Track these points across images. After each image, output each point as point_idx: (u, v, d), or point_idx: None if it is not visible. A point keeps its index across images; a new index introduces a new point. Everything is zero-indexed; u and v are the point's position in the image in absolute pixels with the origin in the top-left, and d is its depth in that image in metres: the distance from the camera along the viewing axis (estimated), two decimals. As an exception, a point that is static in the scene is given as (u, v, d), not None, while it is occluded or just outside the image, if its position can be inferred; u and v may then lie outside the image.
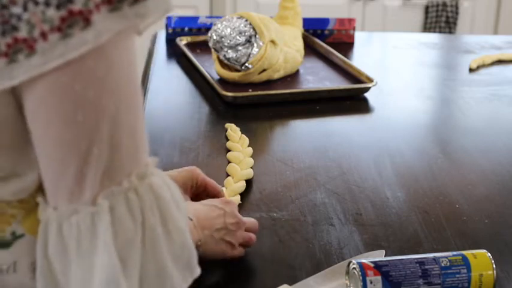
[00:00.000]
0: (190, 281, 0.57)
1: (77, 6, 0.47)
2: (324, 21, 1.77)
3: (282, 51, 1.41)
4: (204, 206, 0.81)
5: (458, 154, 1.17)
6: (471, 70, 1.62)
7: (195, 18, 1.74)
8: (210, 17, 1.77)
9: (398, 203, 0.98)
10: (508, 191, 1.04)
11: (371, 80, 1.40)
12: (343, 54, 1.55)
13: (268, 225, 0.91)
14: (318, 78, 1.47)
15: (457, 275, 0.76)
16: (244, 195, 0.98)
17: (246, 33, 1.34)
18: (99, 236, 0.51)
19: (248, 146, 1.12)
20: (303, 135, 1.23)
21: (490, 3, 3.01)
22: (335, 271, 0.80)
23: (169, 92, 1.42)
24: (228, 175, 1.03)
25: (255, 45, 1.35)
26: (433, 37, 2.11)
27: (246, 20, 1.36)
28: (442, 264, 0.76)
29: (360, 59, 1.66)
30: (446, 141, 1.24)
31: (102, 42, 0.48)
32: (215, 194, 0.88)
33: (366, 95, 1.39)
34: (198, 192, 0.88)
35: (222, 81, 1.39)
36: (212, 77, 1.39)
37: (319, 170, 1.07)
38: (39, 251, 0.54)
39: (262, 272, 0.82)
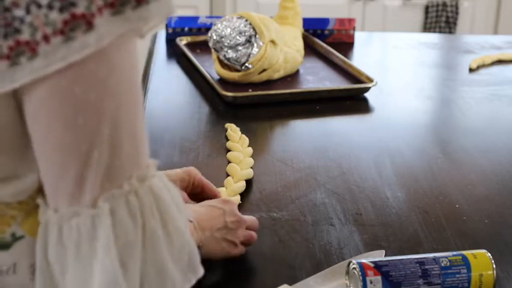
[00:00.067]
0: (193, 281, 0.57)
1: (79, 9, 0.47)
2: (324, 21, 1.77)
3: (282, 51, 1.41)
4: (203, 207, 0.81)
5: (458, 154, 1.17)
6: (471, 70, 1.62)
7: (195, 18, 1.74)
8: (210, 17, 1.77)
9: (398, 203, 0.98)
10: (508, 191, 1.04)
11: (371, 80, 1.40)
12: (343, 54, 1.55)
13: (268, 225, 0.91)
14: (318, 78, 1.47)
15: (457, 275, 0.76)
16: (244, 195, 0.98)
17: (246, 33, 1.34)
18: (100, 238, 0.51)
19: (248, 146, 1.12)
20: (303, 135, 1.23)
21: (490, 3, 3.01)
22: (335, 271, 0.80)
23: (169, 92, 1.42)
24: (228, 175, 1.03)
25: (255, 45, 1.35)
26: (433, 37, 2.11)
27: (246, 20, 1.36)
28: (442, 264, 0.76)
29: (360, 59, 1.66)
30: (446, 141, 1.24)
31: (104, 46, 0.48)
32: (212, 196, 0.88)
33: (366, 95, 1.39)
34: (195, 193, 0.88)
35: (222, 81, 1.39)
36: (212, 77, 1.39)
37: (319, 170, 1.07)
38: (38, 253, 0.54)
39: (262, 272, 0.82)
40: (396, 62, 1.74)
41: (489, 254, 0.78)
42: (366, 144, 1.18)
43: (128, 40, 0.51)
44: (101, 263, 0.51)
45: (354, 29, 1.78)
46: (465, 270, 0.76)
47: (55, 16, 0.47)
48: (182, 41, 1.64)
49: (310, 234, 0.89)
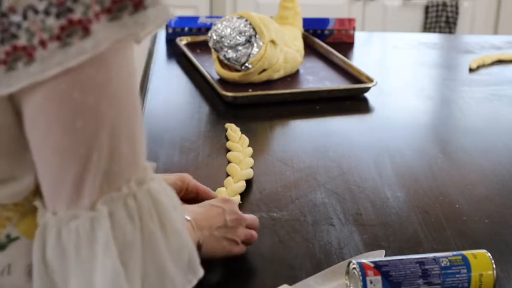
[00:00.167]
0: (194, 282, 0.58)
1: (76, 15, 0.47)
2: (324, 21, 1.77)
3: (282, 51, 1.41)
4: (202, 207, 0.81)
5: (458, 154, 1.17)
6: (471, 70, 1.62)
7: (195, 18, 1.74)
8: (210, 17, 1.77)
9: (398, 203, 0.98)
10: (508, 191, 1.04)
11: (371, 80, 1.40)
12: (343, 54, 1.55)
13: (268, 225, 0.91)
14: (318, 78, 1.47)
15: (457, 275, 0.76)
16: (244, 195, 0.98)
17: (246, 33, 1.34)
18: (99, 241, 0.51)
19: (248, 146, 1.12)
20: (303, 135, 1.23)
21: (490, 3, 3.01)
22: (335, 271, 0.80)
23: (169, 92, 1.42)
24: (228, 175, 1.03)
25: (255, 45, 1.35)
26: (433, 37, 2.11)
27: (246, 20, 1.36)
28: (442, 264, 0.76)
29: (360, 59, 1.66)
30: (446, 141, 1.24)
31: (101, 51, 0.48)
32: (208, 199, 0.88)
33: (366, 95, 1.39)
34: (189, 198, 0.88)
35: (222, 81, 1.39)
36: (212, 77, 1.39)
37: (319, 170, 1.07)
38: (35, 255, 0.54)
39: (262, 272, 0.82)
40: (396, 62, 1.74)
41: (489, 254, 0.78)
42: (366, 144, 1.18)
43: (125, 45, 0.51)
44: (101, 264, 0.51)
45: (354, 29, 1.78)
46: (465, 270, 0.76)
47: (52, 22, 0.47)
48: (182, 41, 1.64)
49: (310, 234, 0.89)
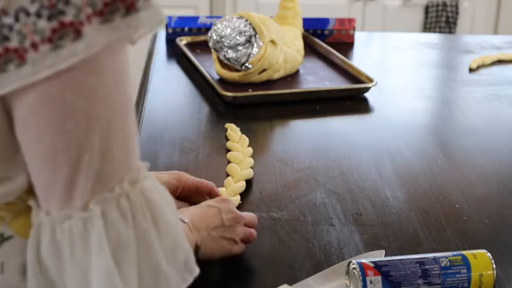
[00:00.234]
0: (190, 281, 0.58)
1: (68, 18, 0.47)
2: (324, 21, 1.77)
3: (282, 51, 1.41)
4: (198, 208, 0.81)
5: (458, 154, 1.17)
6: (471, 70, 1.62)
7: (195, 18, 1.74)
8: (210, 17, 1.77)
9: (398, 203, 0.98)
10: (508, 191, 1.04)
11: (371, 80, 1.40)
12: (343, 54, 1.55)
13: (268, 225, 0.91)
14: (318, 78, 1.47)
15: (457, 275, 0.76)
16: (244, 195, 0.98)
17: (246, 33, 1.35)
18: (92, 240, 0.52)
19: (248, 146, 1.12)
20: (303, 135, 1.23)
21: (490, 3, 3.01)
22: (335, 271, 0.80)
23: (169, 92, 1.42)
24: (228, 175, 1.03)
25: (255, 45, 1.35)
26: (433, 37, 2.11)
27: (246, 20, 1.36)
28: (442, 264, 0.76)
29: (360, 59, 1.66)
30: (446, 141, 1.24)
31: (92, 54, 0.48)
32: (208, 192, 0.89)
33: (366, 95, 1.39)
34: (187, 195, 0.88)
35: (222, 81, 1.39)
36: (212, 77, 1.39)
37: (319, 170, 1.07)
38: (30, 254, 0.54)
39: (262, 272, 0.82)
40: (396, 62, 1.74)
41: (489, 254, 0.78)
42: (366, 144, 1.18)
43: (119, 47, 0.51)
44: (95, 264, 0.52)
45: (354, 29, 1.78)
46: (465, 270, 0.76)
47: (43, 24, 0.47)
48: (182, 41, 1.64)
49: (310, 234, 0.89)
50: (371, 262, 0.75)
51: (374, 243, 0.88)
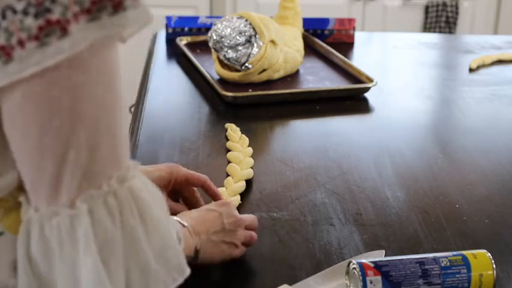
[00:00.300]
0: (180, 280, 0.58)
1: (54, 15, 0.48)
2: (324, 21, 1.77)
3: (282, 51, 1.41)
4: (199, 212, 0.81)
5: (458, 154, 1.17)
6: (471, 70, 1.62)
7: (195, 18, 1.74)
8: (210, 17, 1.77)
9: (398, 203, 0.98)
10: (508, 191, 1.04)
11: (371, 80, 1.40)
12: (343, 54, 1.55)
13: (268, 225, 0.91)
14: (318, 78, 1.47)
15: (457, 275, 0.76)
16: (244, 195, 0.98)
17: (246, 33, 1.35)
18: (79, 238, 0.52)
19: (248, 146, 1.12)
20: (303, 135, 1.23)
21: (490, 3, 3.01)
22: (335, 271, 0.80)
23: (169, 92, 1.42)
24: (228, 175, 1.03)
25: (255, 45, 1.35)
26: (433, 37, 2.11)
27: (246, 20, 1.36)
28: (442, 264, 0.76)
29: (360, 59, 1.66)
30: (446, 141, 1.24)
31: (78, 51, 0.49)
32: (201, 185, 0.89)
33: (366, 95, 1.39)
34: (180, 187, 0.88)
35: (222, 81, 1.39)
36: (212, 77, 1.39)
37: (319, 170, 1.07)
38: (20, 250, 0.54)
39: (262, 272, 0.82)
40: (396, 62, 1.74)
41: (489, 254, 0.78)
42: (366, 144, 1.18)
43: (108, 45, 0.51)
44: (83, 262, 0.52)
45: (354, 29, 1.78)
46: (465, 270, 0.76)
47: (30, 22, 0.48)
48: (182, 41, 1.64)
49: (310, 234, 0.89)
50: (371, 262, 0.75)
51: (374, 243, 0.88)
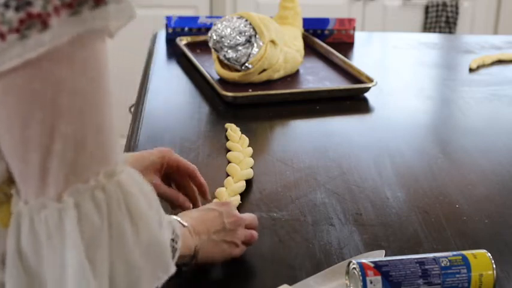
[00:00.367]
0: (164, 278, 0.57)
1: (35, 9, 0.48)
2: (324, 21, 1.77)
3: (282, 51, 1.41)
4: (199, 212, 0.81)
5: (458, 154, 1.17)
6: (471, 70, 1.62)
7: (195, 18, 1.74)
8: (210, 17, 1.77)
9: (398, 203, 0.98)
10: (508, 191, 1.04)
11: (371, 80, 1.40)
12: (343, 54, 1.55)
13: (268, 225, 0.91)
14: (318, 78, 1.47)
15: (457, 275, 0.76)
16: (244, 195, 0.98)
17: (246, 33, 1.35)
18: (67, 231, 0.52)
19: (248, 146, 1.12)
20: (303, 135, 1.23)
21: (490, 3, 3.01)
22: (335, 271, 0.80)
23: (169, 92, 1.42)
24: (228, 175, 1.03)
25: (255, 45, 1.35)
26: (433, 37, 2.11)
27: (246, 20, 1.36)
28: (442, 264, 0.76)
29: (360, 59, 1.66)
30: (446, 141, 1.24)
31: (59, 45, 0.49)
32: (188, 174, 0.90)
33: (366, 95, 1.39)
34: (172, 171, 0.90)
35: (222, 81, 1.39)
36: (212, 77, 1.39)
37: (319, 170, 1.07)
38: (10, 243, 0.54)
39: (262, 272, 0.82)
40: (396, 62, 1.74)
41: (489, 254, 0.78)
42: (366, 144, 1.18)
43: (94, 39, 0.51)
44: (69, 256, 0.52)
45: (354, 29, 1.78)
46: (465, 270, 0.76)
47: (11, 15, 0.48)
48: (182, 41, 1.64)
49: (310, 234, 0.89)
50: (371, 262, 0.75)
51: (374, 243, 0.88)
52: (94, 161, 0.53)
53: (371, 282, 0.73)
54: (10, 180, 0.55)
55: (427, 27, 2.97)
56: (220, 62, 1.40)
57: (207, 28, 1.68)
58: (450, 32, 2.95)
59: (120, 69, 2.61)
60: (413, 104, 1.41)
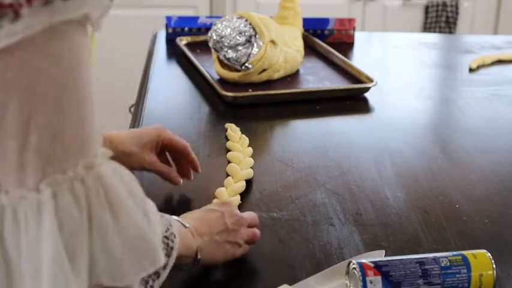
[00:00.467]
0: (151, 269, 0.56)
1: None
2: (324, 21, 1.77)
3: (282, 51, 1.41)
4: (201, 212, 0.81)
5: (458, 154, 1.17)
6: (471, 70, 1.62)
7: (195, 18, 1.74)
8: (210, 17, 1.77)
9: (398, 203, 0.98)
10: (508, 191, 1.04)
11: (371, 80, 1.40)
12: (343, 54, 1.55)
13: (268, 225, 0.91)
14: (318, 78, 1.47)
15: (457, 275, 0.76)
16: (244, 195, 0.98)
17: (246, 33, 1.35)
18: (45, 222, 0.52)
19: (248, 146, 1.12)
20: (303, 135, 1.23)
21: (490, 3, 3.01)
22: (335, 271, 0.80)
23: (169, 92, 1.42)
24: (228, 175, 1.03)
25: (255, 45, 1.35)
26: (433, 37, 2.11)
27: (246, 20, 1.36)
28: (442, 264, 0.76)
29: (360, 59, 1.66)
30: (446, 141, 1.24)
31: (31, 34, 0.49)
32: (180, 150, 0.96)
33: (366, 95, 1.39)
34: (166, 148, 0.97)
35: (222, 81, 1.39)
36: (212, 77, 1.39)
37: (319, 170, 1.07)
38: None
39: (262, 272, 0.82)
40: (396, 62, 1.74)
41: (489, 254, 0.78)
42: (366, 144, 1.18)
43: (71, 31, 0.51)
44: (46, 248, 0.52)
45: (354, 29, 1.78)
46: (465, 270, 0.76)
47: None
48: (182, 41, 1.64)
49: (310, 234, 0.89)
50: (371, 262, 0.75)
51: (374, 243, 0.88)
52: (71, 153, 0.53)
53: (371, 282, 0.73)
54: None
55: (427, 27, 2.97)
56: (220, 62, 1.40)
57: (207, 28, 1.68)
58: (450, 32, 2.96)
59: (120, 69, 2.62)
60: (413, 104, 1.41)
